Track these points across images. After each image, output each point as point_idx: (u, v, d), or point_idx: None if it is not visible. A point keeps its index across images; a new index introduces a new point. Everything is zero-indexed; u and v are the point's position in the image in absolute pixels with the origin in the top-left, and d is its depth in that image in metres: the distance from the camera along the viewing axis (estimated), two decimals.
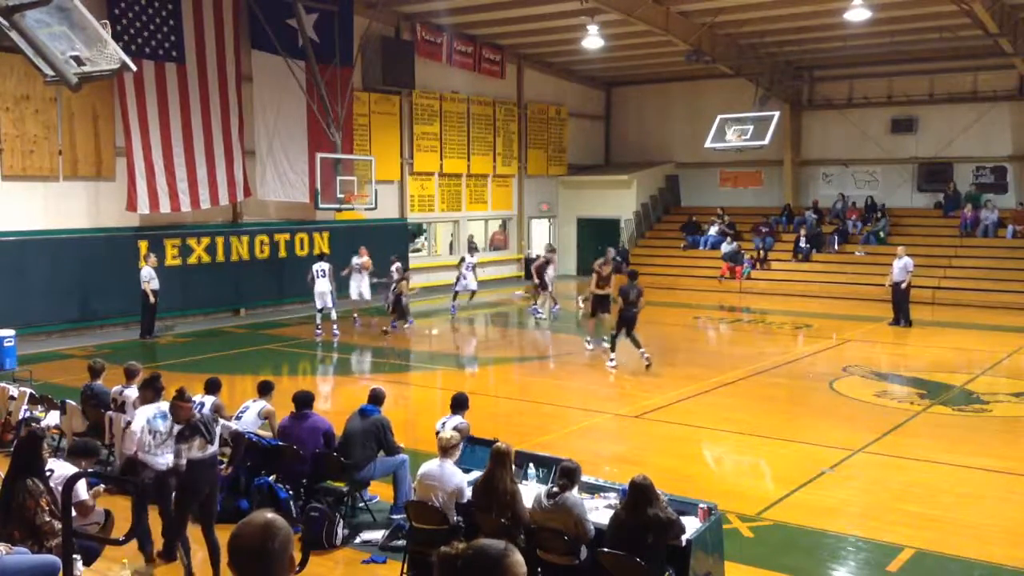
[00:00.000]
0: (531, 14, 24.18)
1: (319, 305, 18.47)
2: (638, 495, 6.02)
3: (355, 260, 19.57)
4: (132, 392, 9.51)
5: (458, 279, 21.98)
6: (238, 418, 9.15)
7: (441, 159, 26.97)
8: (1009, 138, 26.43)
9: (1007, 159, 26.62)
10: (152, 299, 17.88)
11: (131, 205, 18.89)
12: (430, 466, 7.11)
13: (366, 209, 23.14)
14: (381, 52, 23.90)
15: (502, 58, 28.21)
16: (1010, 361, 16.36)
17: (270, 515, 2.85)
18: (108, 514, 6.91)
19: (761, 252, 27.64)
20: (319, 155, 21.45)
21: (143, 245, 19.19)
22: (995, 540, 7.97)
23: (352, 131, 23.41)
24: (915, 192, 28.08)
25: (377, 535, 8.00)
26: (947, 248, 25.45)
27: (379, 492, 8.82)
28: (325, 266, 18.52)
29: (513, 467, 6.89)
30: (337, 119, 22.23)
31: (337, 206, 22.04)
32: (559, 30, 25.49)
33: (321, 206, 21.69)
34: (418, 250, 28.23)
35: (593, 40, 23.76)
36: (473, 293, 22.38)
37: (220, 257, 20.97)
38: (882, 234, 26.83)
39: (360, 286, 19.60)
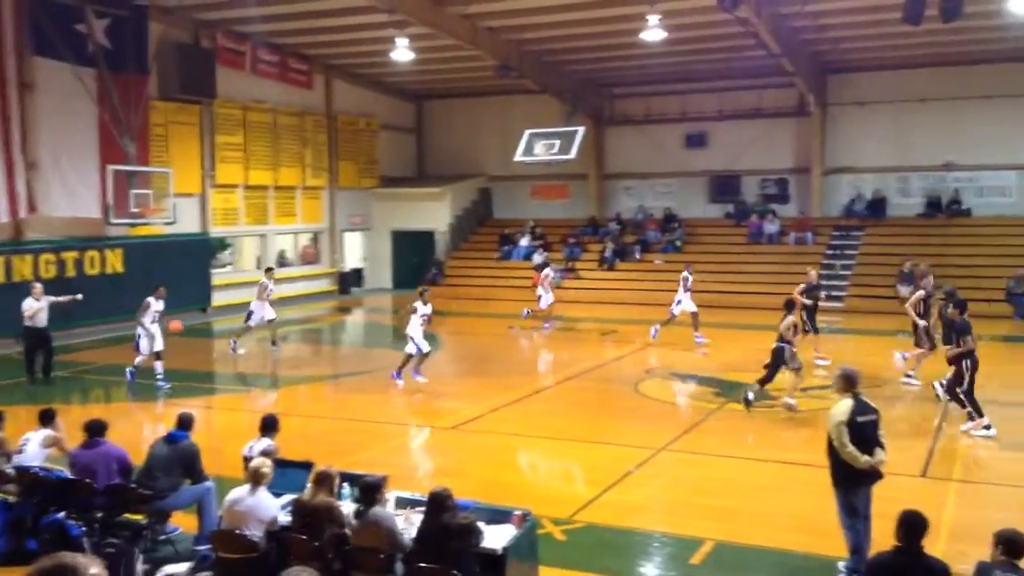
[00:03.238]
0: (338, 25, 23.88)
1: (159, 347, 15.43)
2: (433, 503, 6.22)
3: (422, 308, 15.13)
4: None
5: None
6: (20, 451, 8.43)
7: (246, 171, 26.08)
8: (790, 152, 28.63)
9: (788, 171, 28.81)
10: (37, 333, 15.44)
11: None
12: (240, 493, 6.84)
13: (164, 223, 22.06)
14: (178, 60, 22.86)
15: (309, 68, 27.68)
16: None
17: (72, 558, 2.61)
18: None
19: (568, 263, 28.52)
20: (111, 167, 20.26)
21: None
22: (787, 528, 8.53)
23: (148, 142, 22.24)
24: (707, 203, 29.86)
25: (181, 568, 7.58)
26: (737, 255, 27.20)
27: (182, 523, 8.37)
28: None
29: (335, 489, 6.81)
30: (131, 129, 21.07)
31: (132, 221, 20.90)
32: (368, 41, 25.30)
33: (113, 221, 20.50)
34: (223, 266, 27.15)
35: (402, 53, 23.73)
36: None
37: (1, 278, 19.29)
38: (678, 243, 28.36)
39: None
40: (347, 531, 6.50)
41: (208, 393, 15.38)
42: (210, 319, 24.12)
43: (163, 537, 8.04)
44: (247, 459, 7.72)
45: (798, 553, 7.86)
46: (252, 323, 18.36)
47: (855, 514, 7.26)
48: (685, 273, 19.91)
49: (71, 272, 20.65)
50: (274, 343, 18.63)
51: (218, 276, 25.61)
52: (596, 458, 11.16)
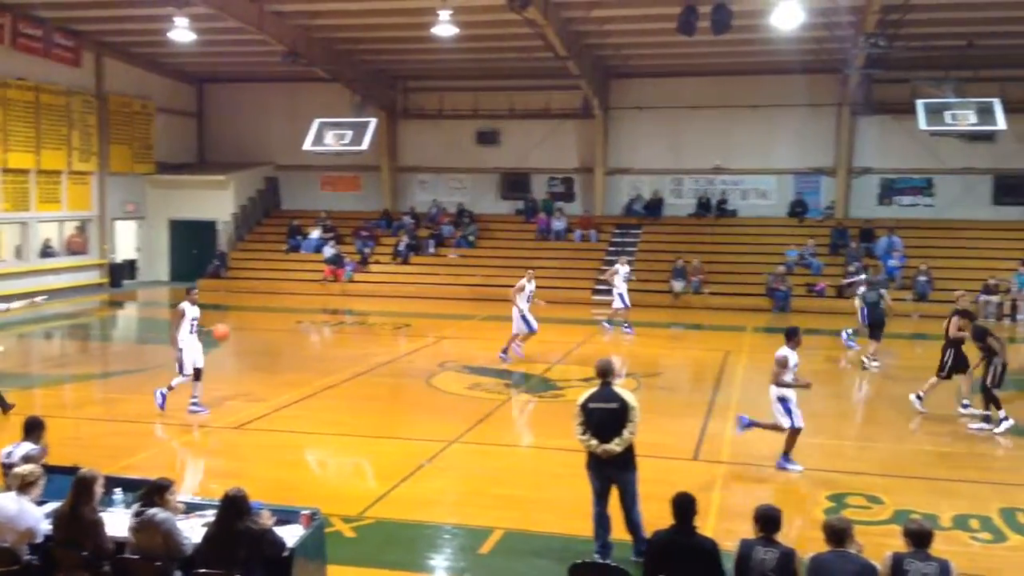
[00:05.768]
0: None
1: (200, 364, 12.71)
2: (228, 508, 5.92)
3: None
4: None
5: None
6: None
7: (4, 153, 23.85)
8: (576, 152, 29.69)
9: (574, 171, 29.89)
10: None
11: None
12: (2, 501, 6.24)
13: None
14: None
15: (78, 44, 25.68)
16: (579, 351, 18.36)
17: None
18: None
19: (362, 255, 28.19)
20: None
21: None
22: (572, 514, 8.81)
23: None
24: (499, 200, 30.46)
25: None
26: (526, 251, 27.89)
27: None
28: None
29: (99, 494, 6.31)
30: None
31: None
32: (144, 19, 23.79)
33: None
34: None
35: (182, 33, 22.46)
36: None
37: None
38: (471, 238, 28.74)
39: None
40: (109, 544, 6.07)
41: None
42: None
43: None
44: (6, 465, 7.07)
45: (584, 538, 8.16)
46: (535, 328, 16.88)
47: (596, 493, 7.72)
48: (858, 277, 18.67)
49: None
50: (505, 352, 16.70)
51: None
52: (387, 453, 11.10)
